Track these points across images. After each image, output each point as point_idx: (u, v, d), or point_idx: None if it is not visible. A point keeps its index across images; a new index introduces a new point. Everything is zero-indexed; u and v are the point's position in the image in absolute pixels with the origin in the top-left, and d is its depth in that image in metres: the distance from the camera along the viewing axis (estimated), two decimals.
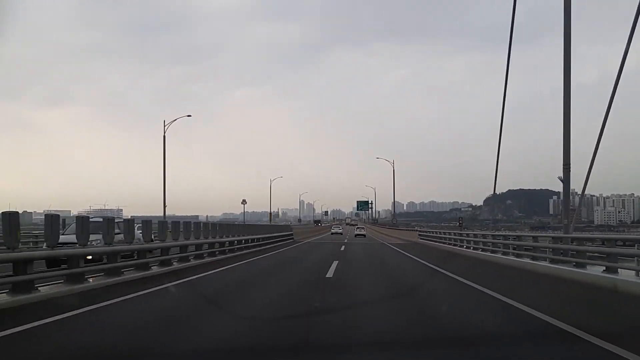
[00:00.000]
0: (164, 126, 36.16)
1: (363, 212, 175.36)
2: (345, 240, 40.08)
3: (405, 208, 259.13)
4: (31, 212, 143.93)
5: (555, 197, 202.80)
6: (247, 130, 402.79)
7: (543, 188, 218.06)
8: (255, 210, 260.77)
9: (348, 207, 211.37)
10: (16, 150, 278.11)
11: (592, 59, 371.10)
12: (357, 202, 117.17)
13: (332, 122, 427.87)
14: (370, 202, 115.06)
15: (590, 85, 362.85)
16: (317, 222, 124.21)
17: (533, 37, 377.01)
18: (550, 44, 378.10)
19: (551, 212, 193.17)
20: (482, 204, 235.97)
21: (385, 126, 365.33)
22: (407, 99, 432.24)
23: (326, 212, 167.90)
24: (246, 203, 53.38)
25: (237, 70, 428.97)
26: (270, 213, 72.09)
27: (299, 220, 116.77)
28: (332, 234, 63.00)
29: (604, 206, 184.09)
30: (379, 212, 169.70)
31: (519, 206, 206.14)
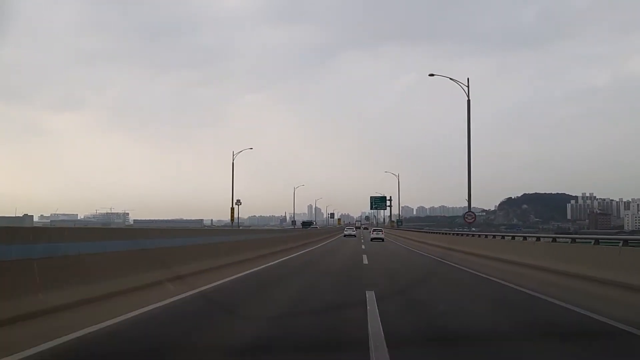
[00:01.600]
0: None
1: (375, 213, 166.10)
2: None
3: (415, 212, 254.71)
4: (31, 215, 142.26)
5: (573, 202, 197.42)
6: (254, 134, 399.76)
7: (560, 192, 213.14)
8: (262, 215, 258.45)
9: (356, 212, 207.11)
10: (24, 154, 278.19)
11: (603, 62, 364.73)
12: (371, 198, 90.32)
13: (341, 126, 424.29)
14: (388, 198, 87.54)
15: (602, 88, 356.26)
16: (306, 224, 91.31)
17: (545, 41, 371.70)
18: (562, 49, 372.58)
19: (569, 217, 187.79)
20: (494, 208, 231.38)
21: (394, 130, 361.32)
22: (416, 102, 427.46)
23: (332, 214, 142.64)
24: (241, 204, 49.75)
25: (245, 74, 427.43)
26: (232, 209, 50.44)
27: (293, 222, 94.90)
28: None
29: (637, 210, 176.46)
30: (388, 216, 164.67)
31: (535, 211, 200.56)
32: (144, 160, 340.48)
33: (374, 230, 49.04)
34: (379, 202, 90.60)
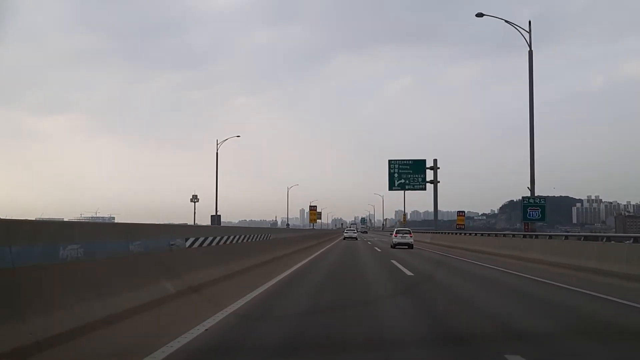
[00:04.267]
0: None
1: (371, 217, 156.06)
2: None
3: (409, 217, 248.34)
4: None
5: (578, 205, 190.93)
6: (246, 137, 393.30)
7: (563, 195, 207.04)
8: (253, 219, 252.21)
9: (349, 217, 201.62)
10: (8, 156, 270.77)
11: (600, 64, 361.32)
12: (391, 163, 46.90)
13: (335, 130, 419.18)
14: (429, 165, 46.41)
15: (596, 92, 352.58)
16: None
17: (538, 44, 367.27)
18: (555, 52, 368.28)
19: (574, 221, 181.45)
20: (490, 212, 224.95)
21: (389, 134, 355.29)
22: (410, 105, 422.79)
23: (318, 215, 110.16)
24: (198, 200, 42.82)
25: (237, 77, 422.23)
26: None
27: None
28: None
29: None
30: (386, 219, 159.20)
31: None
32: (131, 163, 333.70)
33: (398, 232, 32.20)
34: (408, 174, 45.88)
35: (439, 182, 45.37)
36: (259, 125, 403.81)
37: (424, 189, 46.40)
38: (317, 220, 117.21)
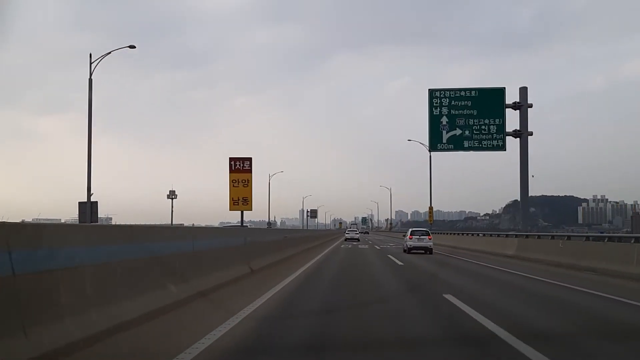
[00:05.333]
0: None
1: (370, 217, 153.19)
2: None
3: (409, 217, 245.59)
4: None
5: (584, 205, 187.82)
6: (245, 137, 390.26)
7: (568, 195, 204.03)
8: (251, 219, 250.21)
9: (349, 217, 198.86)
10: (6, 156, 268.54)
11: (599, 64, 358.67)
12: (434, 95, 26.20)
13: (334, 130, 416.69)
14: (516, 99, 25.97)
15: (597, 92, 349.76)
16: None
17: (544, 42, 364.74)
18: (564, 50, 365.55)
19: (580, 221, 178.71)
20: (492, 212, 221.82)
21: (388, 134, 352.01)
22: (410, 105, 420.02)
23: (313, 213, 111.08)
24: (176, 197, 39.22)
25: (237, 77, 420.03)
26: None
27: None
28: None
29: None
30: (386, 220, 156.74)
31: (542, 215, 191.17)
32: (131, 163, 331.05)
33: (413, 234, 25.67)
34: (470, 118, 25.50)
35: (530, 133, 25.95)
36: (258, 125, 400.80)
37: (502, 147, 25.88)
38: (312, 220, 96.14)
